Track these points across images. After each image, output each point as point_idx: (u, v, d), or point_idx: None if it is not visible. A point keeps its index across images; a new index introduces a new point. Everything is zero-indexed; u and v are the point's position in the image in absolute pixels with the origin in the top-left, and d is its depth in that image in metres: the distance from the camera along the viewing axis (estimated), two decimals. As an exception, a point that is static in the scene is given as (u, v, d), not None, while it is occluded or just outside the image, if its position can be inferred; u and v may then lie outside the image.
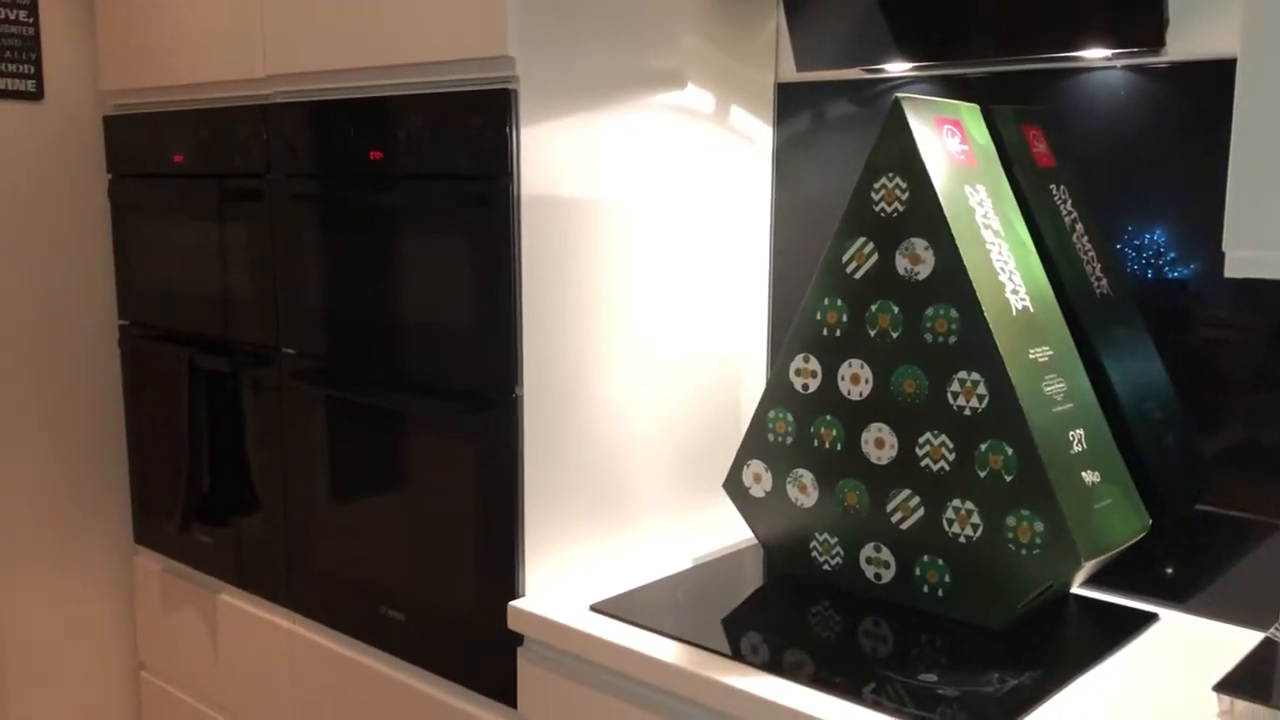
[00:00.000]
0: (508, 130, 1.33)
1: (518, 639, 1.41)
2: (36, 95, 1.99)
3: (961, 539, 1.27)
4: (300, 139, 1.62)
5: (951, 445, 1.26)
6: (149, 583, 2.12)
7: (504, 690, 1.44)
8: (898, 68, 1.56)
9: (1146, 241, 1.38)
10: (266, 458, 1.78)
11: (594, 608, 1.35)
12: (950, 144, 1.31)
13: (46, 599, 2.10)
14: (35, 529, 2.07)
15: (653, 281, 1.55)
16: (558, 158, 1.39)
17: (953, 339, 1.25)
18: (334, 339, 1.62)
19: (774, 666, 1.18)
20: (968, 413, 1.25)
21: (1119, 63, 1.38)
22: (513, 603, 1.39)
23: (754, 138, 1.70)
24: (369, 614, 1.62)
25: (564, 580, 1.46)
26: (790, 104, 1.71)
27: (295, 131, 1.62)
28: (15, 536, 2.04)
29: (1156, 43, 1.30)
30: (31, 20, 1.96)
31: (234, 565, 1.89)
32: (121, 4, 1.94)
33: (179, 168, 1.87)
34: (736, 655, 1.21)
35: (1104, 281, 1.39)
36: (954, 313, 1.25)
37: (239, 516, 1.85)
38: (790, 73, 1.70)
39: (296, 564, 1.75)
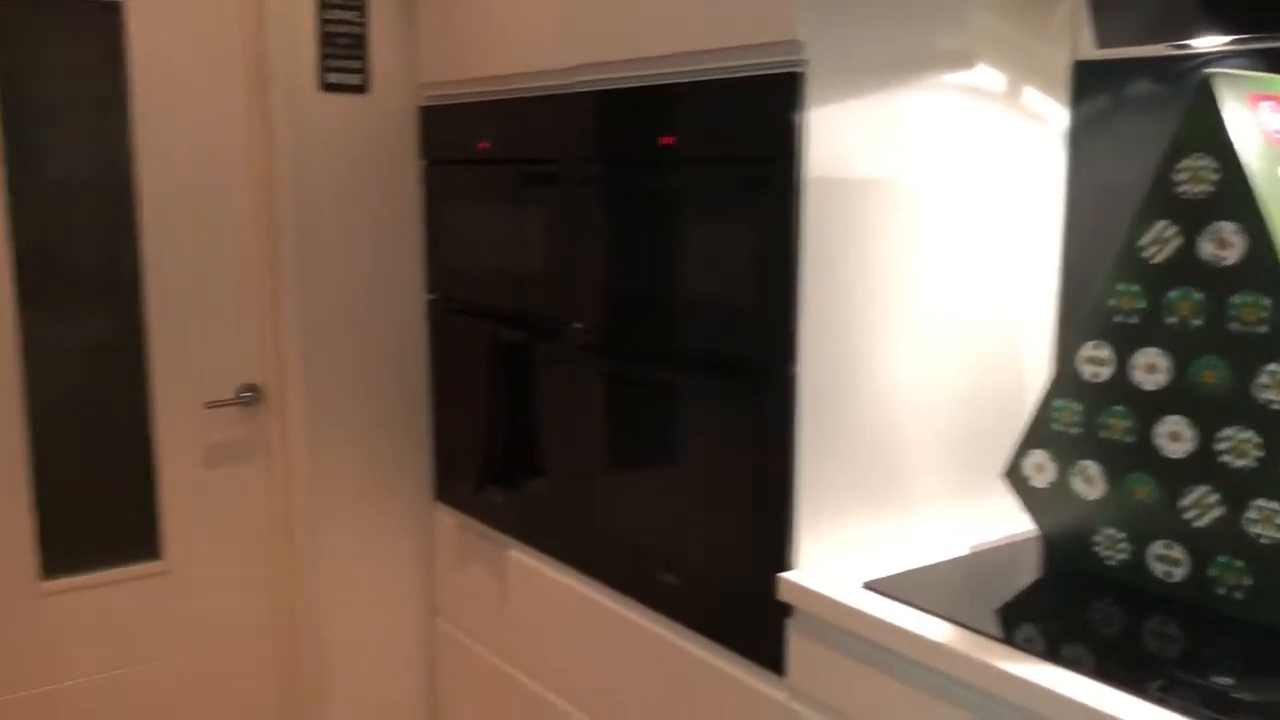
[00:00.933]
0: (796, 113, 1.36)
1: (787, 610, 1.45)
2: (362, 88, 2.19)
3: (1265, 540, 1.20)
4: (595, 125, 1.71)
5: (1259, 441, 1.19)
6: (446, 537, 2.31)
7: (773, 659, 1.48)
8: (1209, 42, 1.47)
9: None
10: (554, 424, 1.90)
11: (867, 585, 1.37)
12: (1268, 121, 1.23)
13: (357, 546, 2.32)
14: (351, 484, 2.29)
15: (938, 264, 1.53)
16: (844, 139, 1.41)
17: (1263, 329, 1.18)
18: (619, 314, 1.70)
19: (1051, 656, 1.16)
20: (1277, 408, 1.17)
21: None
22: (784, 575, 1.43)
23: (1047, 118, 1.65)
24: (645, 577, 1.70)
25: (836, 556, 1.49)
26: (1087, 83, 1.65)
27: (590, 118, 1.72)
28: (336, 491, 2.27)
29: None
30: (362, 20, 2.17)
31: (522, 524, 2.02)
32: (440, 4, 2.11)
33: (485, 154, 2.01)
34: (1012, 642, 1.20)
35: None
36: (1265, 301, 1.18)
37: (528, 479, 1.98)
38: (1088, 50, 1.64)
39: (579, 526, 1.86)
